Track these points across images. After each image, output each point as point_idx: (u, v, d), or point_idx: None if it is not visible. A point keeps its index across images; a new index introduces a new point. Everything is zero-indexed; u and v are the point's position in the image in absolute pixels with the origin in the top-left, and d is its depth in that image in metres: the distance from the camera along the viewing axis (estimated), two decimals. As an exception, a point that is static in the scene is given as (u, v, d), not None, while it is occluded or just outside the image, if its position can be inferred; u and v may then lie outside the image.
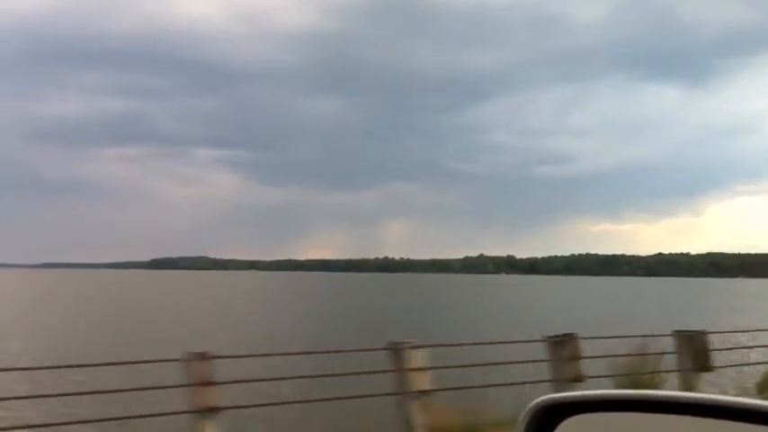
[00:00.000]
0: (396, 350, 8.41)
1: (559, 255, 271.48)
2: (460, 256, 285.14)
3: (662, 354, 10.06)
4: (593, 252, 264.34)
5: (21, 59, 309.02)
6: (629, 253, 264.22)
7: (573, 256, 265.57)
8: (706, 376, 9.80)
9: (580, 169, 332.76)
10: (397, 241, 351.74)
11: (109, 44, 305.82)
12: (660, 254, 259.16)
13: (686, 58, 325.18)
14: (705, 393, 1.21)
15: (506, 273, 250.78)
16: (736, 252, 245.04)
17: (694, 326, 10.68)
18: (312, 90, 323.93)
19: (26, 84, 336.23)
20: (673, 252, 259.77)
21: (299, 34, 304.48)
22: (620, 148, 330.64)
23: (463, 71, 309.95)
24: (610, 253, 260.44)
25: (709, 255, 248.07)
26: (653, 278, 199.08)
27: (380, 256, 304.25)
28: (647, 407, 1.51)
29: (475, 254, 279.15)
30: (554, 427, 1.58)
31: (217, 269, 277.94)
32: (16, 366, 13.35)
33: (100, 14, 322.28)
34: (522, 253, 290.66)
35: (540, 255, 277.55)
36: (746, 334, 16.03)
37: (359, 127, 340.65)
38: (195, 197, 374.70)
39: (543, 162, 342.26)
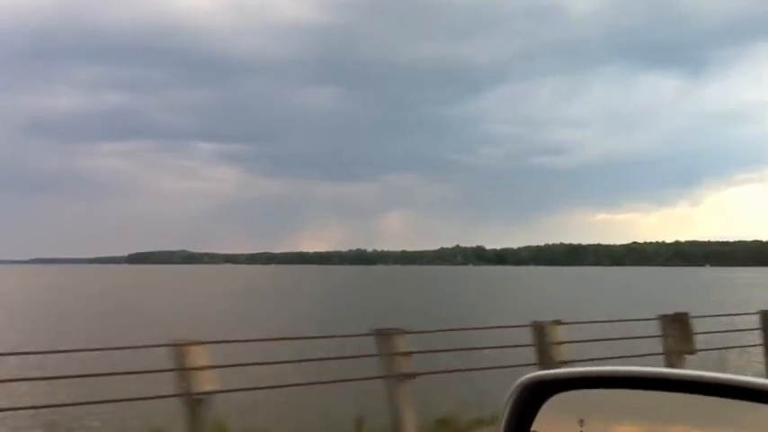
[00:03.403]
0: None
1: (533, 245, 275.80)
2: (437, 247, 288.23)
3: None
4: (566, 242, 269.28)
5: (17, 54, 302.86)
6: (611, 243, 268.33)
7: (546, 245, 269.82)
8: None
9: (577, 160, 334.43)
10: (379, 233, 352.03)
11: (104, 38, 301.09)
12: (635, 242, 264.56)
13: (684, 48, 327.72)
14: (689, 370, 1.49)
15: (474, 264, 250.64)
16: (706, 240, 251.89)
17: None
18: (311, 82, 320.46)
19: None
20: (648, 241, 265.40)
21: (298, 26, 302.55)
22: (619, 138, 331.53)
23: (461, 62, 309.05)
24: (576, 242, 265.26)
25: (676, 244, 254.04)
26: (622, 267, 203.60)
27: (354, 248, 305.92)
28: (632, 383, 1.53)
29: (451, 245, 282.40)
30: (540, 404, 1.59)
31: (193, 263, 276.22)
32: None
33: (97, 8, 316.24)
34: (493, 243, 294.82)
35: (515, 245, 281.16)
36: None
37: (354, 118, 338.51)
38: (186, 191, 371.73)
39: (540, 153, 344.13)
